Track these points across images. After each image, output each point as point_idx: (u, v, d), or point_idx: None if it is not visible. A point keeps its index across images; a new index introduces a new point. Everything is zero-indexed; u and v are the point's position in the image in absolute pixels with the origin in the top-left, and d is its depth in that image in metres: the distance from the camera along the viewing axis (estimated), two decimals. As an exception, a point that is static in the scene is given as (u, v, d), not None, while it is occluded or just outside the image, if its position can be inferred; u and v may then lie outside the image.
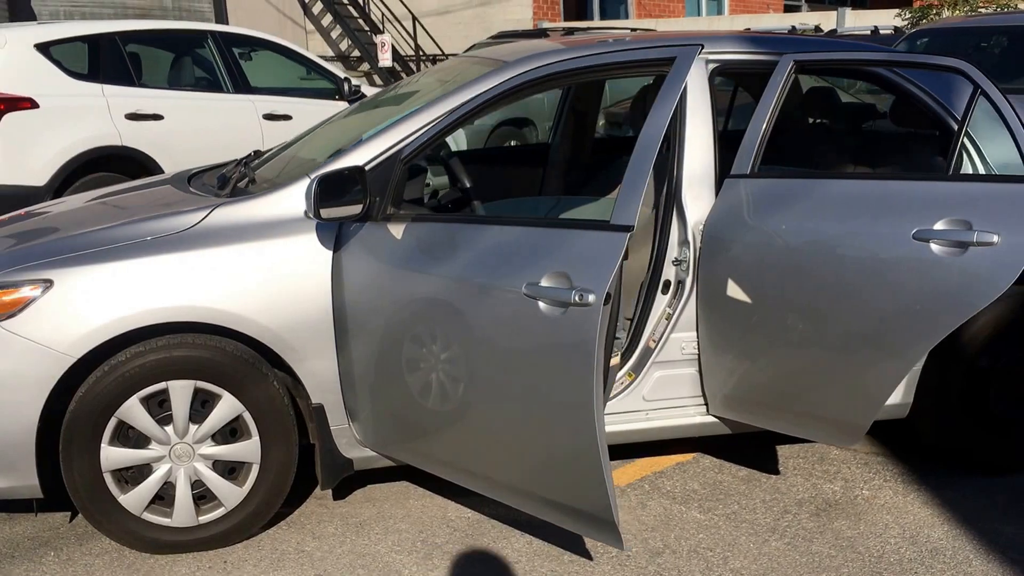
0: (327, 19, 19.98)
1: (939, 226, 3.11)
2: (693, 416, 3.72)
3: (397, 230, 3.17)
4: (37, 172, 7.04)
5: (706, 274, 3.55)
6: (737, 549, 3.36)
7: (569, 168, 5.00)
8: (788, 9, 23.94)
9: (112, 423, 3.17)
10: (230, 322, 3.18)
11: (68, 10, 18.72)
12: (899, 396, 3.78)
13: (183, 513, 3.27)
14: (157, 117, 7.57)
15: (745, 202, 3.53)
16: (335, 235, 3.25)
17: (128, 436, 3.21)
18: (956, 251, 3.07)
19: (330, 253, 3.24)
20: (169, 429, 3.22)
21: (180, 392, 3.19)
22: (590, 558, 3.29)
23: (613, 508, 2.81)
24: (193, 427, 3.24)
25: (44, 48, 7.26)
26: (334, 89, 8.83)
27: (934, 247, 3.11)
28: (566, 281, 2.78)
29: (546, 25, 15.54)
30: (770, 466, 3.99)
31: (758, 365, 3.49)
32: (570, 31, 12.55)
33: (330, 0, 19.59)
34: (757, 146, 3.57)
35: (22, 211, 4.22)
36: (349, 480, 3.71)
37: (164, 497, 3.28)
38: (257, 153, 4.22)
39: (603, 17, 20.69)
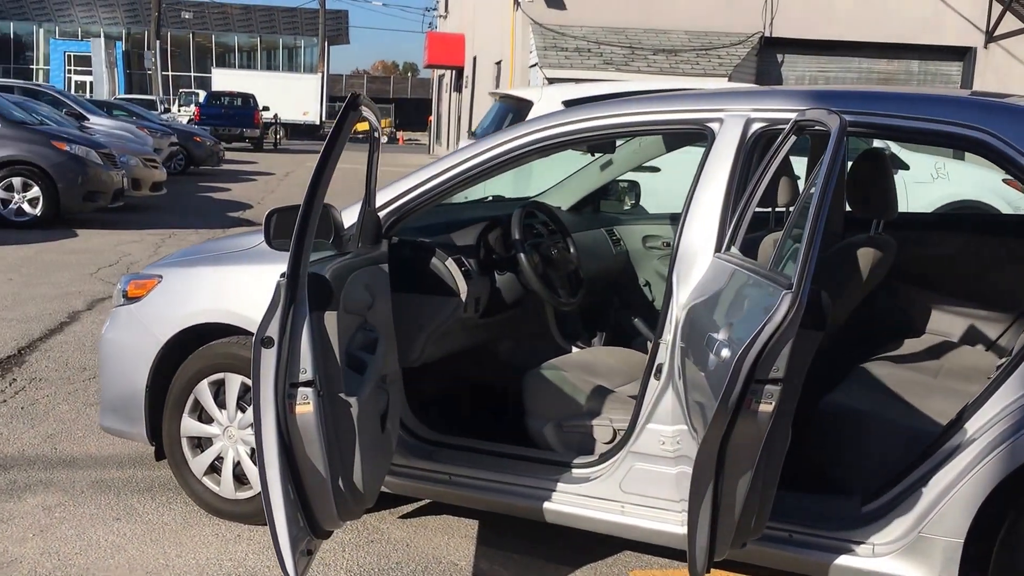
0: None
1: (720, 335, 2.45)
2: (672, 524, 3.20)
3: None
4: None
5: (677, 362, 3.08)
6: None
7: None
8: None
9: (191, 399, 3.92)
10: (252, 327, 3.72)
11: (814, 75, 19.75)
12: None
13: (227, 486, 3.90)
14: (654, 170, 8.05)
15: (706, 283, 2.99)
16: None
17: (202, 412, 3.94)
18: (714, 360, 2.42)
19: None
20: (224, 413, 3.87)
21: (232, 383, 3.83)
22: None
23: (281, 551, 2.75)
24: (239, 415, 3.85)
25: (570, 104, 8.24)
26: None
27: (710, 356, 2.45)
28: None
29: None
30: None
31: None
32: None
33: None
34: (736, 219, 2.99)
35: None
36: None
37: (219, 469, 3.94)
38: None
39: None
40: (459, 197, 6.54)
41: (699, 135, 3.33)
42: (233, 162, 26.64)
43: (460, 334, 3.96)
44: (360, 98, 2.95)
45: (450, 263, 3.69)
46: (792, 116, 3.11)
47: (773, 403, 2.33)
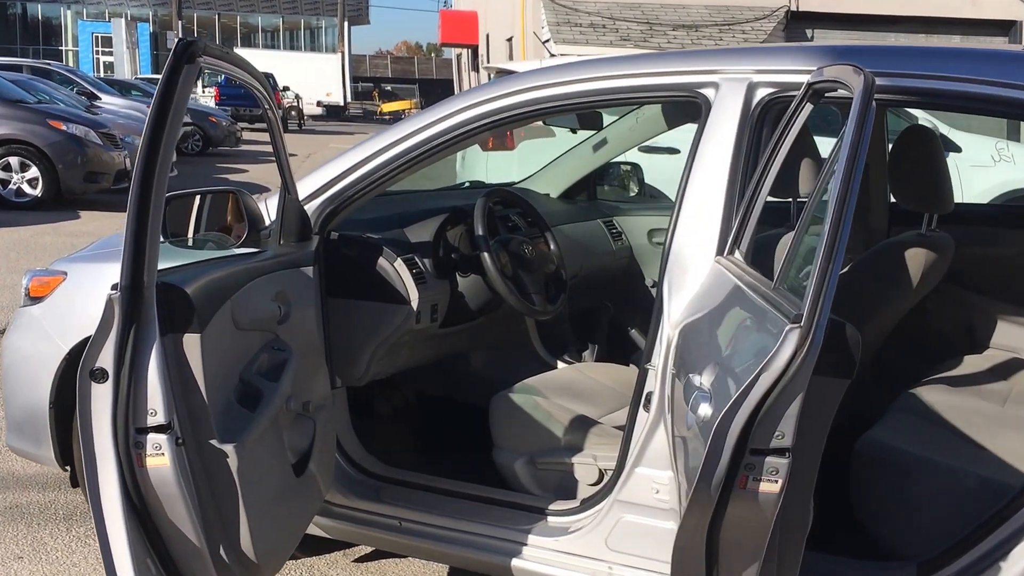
0: None
1: (702, 379, 1.78)
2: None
3: None
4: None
5: (668, 392, 2.40)
6: None
7: None
8: None
9: (100, 417, 3.28)
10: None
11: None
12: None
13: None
14: (672, 151, 7.45)
15: (703, 295, 2.30)
16: None
17: (116, 433, 3.29)
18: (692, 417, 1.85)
19: None
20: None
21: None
22: None
23: None
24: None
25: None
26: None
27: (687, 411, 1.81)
28: None
29: None
30: None
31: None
32: None
33: None
34: (742, 214, 2.31)
35: None
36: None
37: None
38: None
39: None
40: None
41: (691, 104, 2.63)
42: (254, 143, 25.88)
43: (416, 347, 3.29)
44: (197, 44, 2.11)
45: (399, 264, 3.01)
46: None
47: (780, 480, 1.63)
